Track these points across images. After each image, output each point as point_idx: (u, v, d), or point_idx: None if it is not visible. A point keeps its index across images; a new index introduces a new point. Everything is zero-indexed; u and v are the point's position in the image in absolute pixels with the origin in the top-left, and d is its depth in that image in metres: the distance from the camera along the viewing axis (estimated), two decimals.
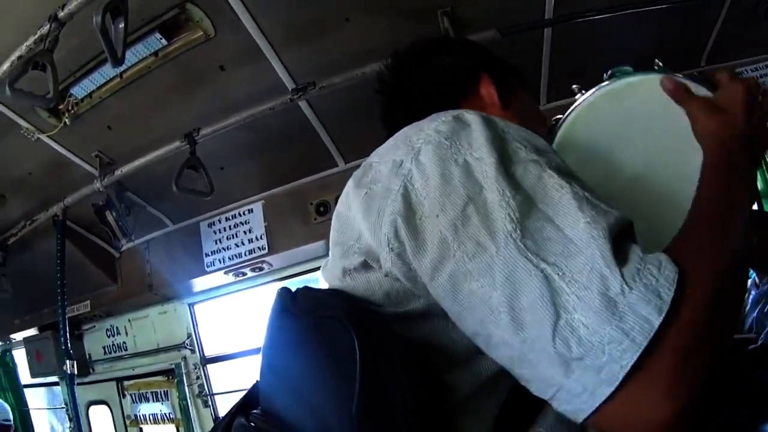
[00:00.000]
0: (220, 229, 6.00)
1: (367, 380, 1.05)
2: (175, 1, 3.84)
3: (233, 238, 5.89)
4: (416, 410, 1.09)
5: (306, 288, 1.30)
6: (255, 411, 1.30)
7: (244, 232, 5.85)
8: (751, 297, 4.97)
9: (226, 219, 5.97)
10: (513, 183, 1.06)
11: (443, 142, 1.15)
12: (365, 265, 1.24)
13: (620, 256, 0.97)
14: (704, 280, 1.01)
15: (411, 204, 1.13)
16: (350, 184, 1.31)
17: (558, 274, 0.97)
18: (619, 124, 1.66)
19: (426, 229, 1.10)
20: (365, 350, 1.07)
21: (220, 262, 5.95)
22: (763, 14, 5.56)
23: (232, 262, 5.87)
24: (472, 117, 1.19)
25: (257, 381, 1.34)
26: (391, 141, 1.30)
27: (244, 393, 1.40)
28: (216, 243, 5.99)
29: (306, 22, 4.01)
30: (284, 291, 1.31)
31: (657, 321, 0.92)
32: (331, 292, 1.32)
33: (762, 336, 4.48)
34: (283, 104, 4.38)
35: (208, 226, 6.06)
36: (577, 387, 0.95)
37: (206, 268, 6.02)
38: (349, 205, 1.29)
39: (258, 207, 5.86)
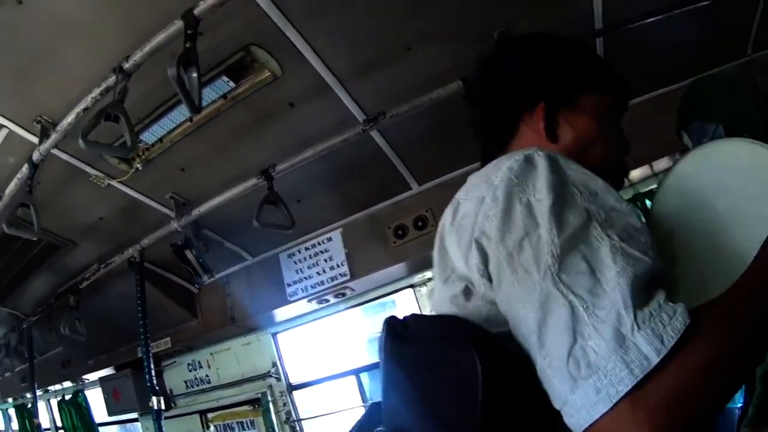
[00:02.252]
0: (300, 259, 6.10)
1: (487, 390, 1.21)
2: (240, 45, 3.94)
3: (315, 266, 5.98)
4: (527, 413, 1.23)
5: (416, 315, 1.46)
6: (379, 429, 1.47)
7: (325, 260, 5.94)
8: None
9: (306, 249, 6.06)
10: (562, 225, 1.21)
11: (513, 179, 1.31)
12: (466, 292, 1.38)
13: (642, 301, 1.12)
14: (716, 338, 1.13)
15: (485, 230, 1.30)
16: (444, 222, 1.47)
17: (583, 306, 1.13)
18: (706, 184, 1.74)
19: (493, 253, 1.29)
20: (485, 366, 1.22)
21: (302, 291, 6.05)
22: None
23: (315, 290, 5.97)
24: (540, 159, 1.32)
25: (373, 402, 1.46)
26: (474, 179, 1.45)
27: (359, 416, 1.58)
28: (297, 273, 6.09)
29: (369, 54, 4.10)
30: (394, 319, 1.46)
31: (654, 360, 1.07)
32: (448, 318, 1.41)
33: None
34: (356, 135, 4.46)
35: (288, 256, 6.17)
36: (579, 402, 1.10)
37: (288, 298, 6.13)
38: (444, 239, 1.46)
39: (337, 235, 5.95)
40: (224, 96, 4.34)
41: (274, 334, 7.15)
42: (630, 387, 1.06)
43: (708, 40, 5.58)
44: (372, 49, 4.09)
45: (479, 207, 1.34)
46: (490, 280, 1.31)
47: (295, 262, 6.13)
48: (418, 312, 1.58)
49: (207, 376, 7.72)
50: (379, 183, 5.46)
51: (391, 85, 4.34)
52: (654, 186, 1.87)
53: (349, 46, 4.08)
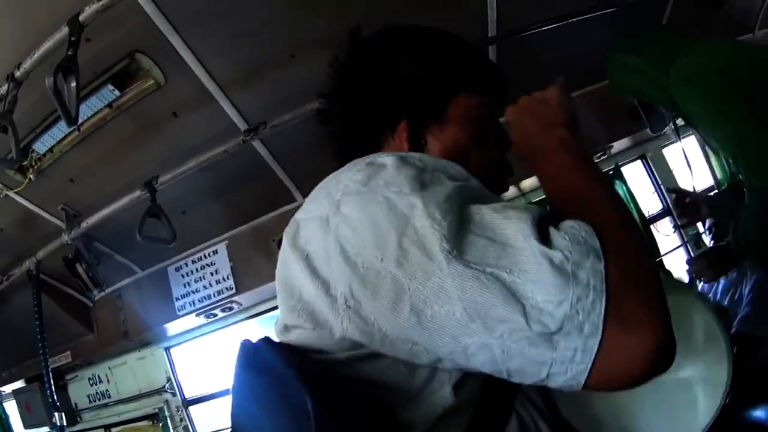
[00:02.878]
0: (187, 273, 6.00)
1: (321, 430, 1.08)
2: (125, 52, 3.88)
3: (201, 280, 5.90)
4: None
5: (265, 341, 1.31)
6: None
7: (211, 274, 5.87)
8: (720, 286, 5.16)
9: (193, 262, 5.97)
10: (439, 208, 1.09)
11: (361, 189, 1.18)
12: (313, 323, 1.23)
13: (547, 232, 1.06)
14: (602, 217, 1.12)
15: (350, 258, 1.14)
16: (285, 243, 1.31)
17: (506, 272, 1.02)
18: None
19: (372, 276, 1.11)
20: (317, 407, 1.09)
21: (190, 305, 5.96)
22: (710, 3, 5.61)
23: (202, 305, 5.89)
24: (386, 158, 1.23)
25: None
26: (313, 194, 1.31)
27: None
28: (185, 286, 6.00)
29: (252, 62, 4.06)
30: (246, 344, 1.33)
31: (601, 264, 1.02)
32: (285, 348, 1.29)
33: (734, 323, 4.64)
34: (236, 145, 4.42)
35: (176, 270, 6.06)
36: (567, 353, 1.00)
37: (177, 312, 6.04)
38: (288, 264, 1.29)
39: (222, 247, 5.88)
40: (109, 105, 4.26)
41: (167, 349, 7.03)
42: (605, 302, 1.00)
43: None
44: (255, 56, 4.06)
45: (326, 229, 1.19)
46: (357, 310, 1.14)
47: (183, 276, 6.03)
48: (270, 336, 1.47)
49: (107, 390, 7.55)
50: (263, 194, 5.39)
51: (273, 94, 4.30)
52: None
53: (232, 53, 4.05)
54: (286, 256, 1.30)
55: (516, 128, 1.53)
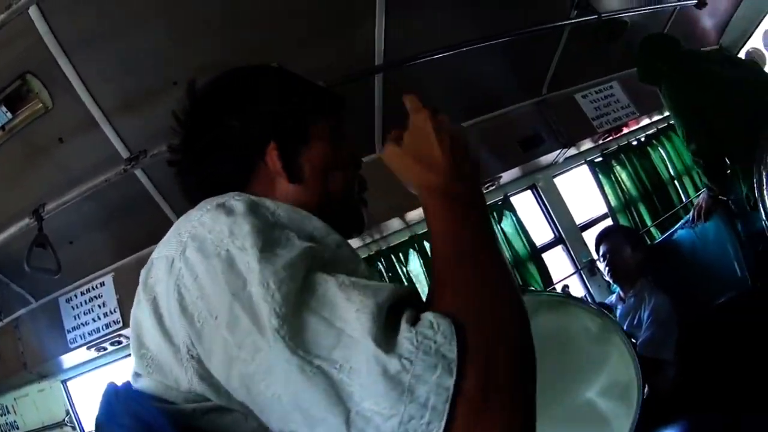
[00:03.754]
0: (77, 305, 5.81)
1: None
2: (18, 73, 3.79)
3: (90, 312, 5.72)
4: None
5: (124, 388, 1.24)
6: None
7: (99, 306, 5.70)
8: (618, 311, 5.29)
9: (81, 293, 5.80)
10: (277, 273, 1.01)
11: (206, 235, 1.10)
12: (159, 372, 1.15)
13: (393, 332, 0.95)
14: (480, 319, 0.99)
15: (187, 307, 1.07)
16: (140, 283, 1.23)
17: (335, 368, 0.93)
18: None
19: (207, 333, 1.05)
20: None
21: (81, 338, 5.76)
22: (606, 37, 5.79)
23: (92, 338, 5.71)
24: (237, 203, 1.15)
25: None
26: (168, 233, 1.21)
27: None
28: (75, 318, 5.80)
29: (136, 88, 4.01)
30: (111, 388, 1.25)
31: (450, 381, 0.90)
32: (133, 398, 1.19)
33: (636, 347, 4.61)
34: (117, 175, 4.30)
35: (66, 301, 5.87)
36: None
37: (69, 345, 5.85)
38: (138, 307, 1.22)
39: (109, 279, 5.73)
40: (2, 128, 4.13)
41: (64, 382, 6.74)
42: (443, 426, 0.88)
43: (505, 75, 5.76)
44: (140, 83, 4.00)
45: (170, 272, 1.11)
46: (200, 361, 1.08)
47: (73, 308, 5.85)
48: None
49: (15, 421, 7.29)
50: (147, 226, 5.21)
51: (156, 122, 4.15)
52: None
53: (117, 79, 3.99)
54: (138, 297, 1.22)
55: (398, 172, 1.38)
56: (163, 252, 1.16)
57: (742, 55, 7.69)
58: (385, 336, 0.93)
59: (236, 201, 1.15)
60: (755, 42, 7.55)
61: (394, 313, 0.99)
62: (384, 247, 6.21)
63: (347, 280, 1.02)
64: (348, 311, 0.96)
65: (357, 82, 4.72)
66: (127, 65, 3.91)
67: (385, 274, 5.99)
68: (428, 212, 1.24)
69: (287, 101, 1.60)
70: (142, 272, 1.22)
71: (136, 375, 1.22)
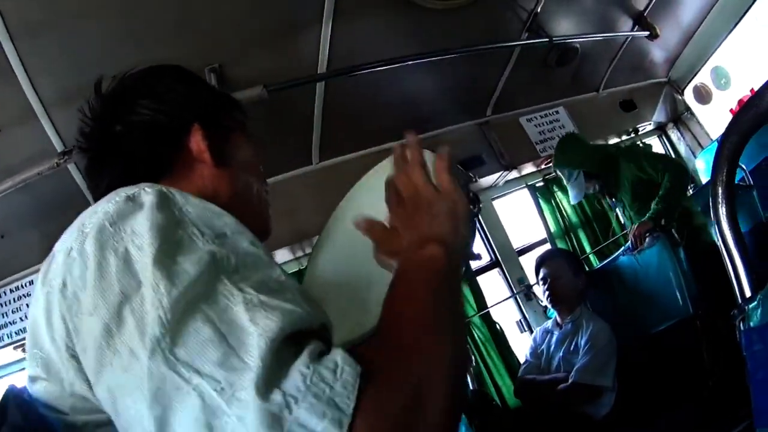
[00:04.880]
0: (5, 302, 5.58)
1: None
2: None
3: (19, 311, 5.51)
4: None
5: (20, 393, 1.12)
6: None
7: (27, 305, 5.40)
8: (555, 337, 5.31)
9: (11, 291, 5.57)
10: (174, 278, 0.92)
11: (107, 227, 1.01)
12: (47, 372, 1.06)
13: (289, 363, 0.85)
14: (402, 380, 0.90)
15: (68, 297, 0.99)
16: (40, 276, 1.12)
17: (216, 390, 0.83)
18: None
19: (84, 330, 0.96)
20: None
21: (8, 336, 5.51)
22: (556, 62, 5.88)
23: (20, 337, 5.46)
24: (147, 196, 1.05)
25: None
26: (74, 223, 1.11)
27: None
28: (3, 317, 5.56)
29: (78, 81, 3.84)
30: (9, 392, 1.13)
31: None
32: (27, 405, 1.08)
33: (572, 373, 4.77)
34: (50, 168, 4.17)
35: None
36: None
37: None
38: (37, 302, 1.11)
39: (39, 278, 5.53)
40: None
41: None
42: None
43: (449, 93, 5.75)
44: (83, 77, 3.85)
45: (66, 262, 1.02)
46: (80, 363, 0.98)
47: (1, 305, 5.60)
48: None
49: None
50: None
51: None
52: None
53: (60, 71, 3.85)
54: (36, 292, 1.12)
55: (393, 235, 1.37)
56: (65, 242, 1.07)
57: (690, 89, 7.91)
58: (279, 365, 0.85)
59: (146, 193, 1.06)
60: (703, 78, 7.72)
61: (300, 338, 0.90)
62: None
63: (256, 299, 0.91)
64: (249, 333, 0.87)
65: (299, 91, 4.71)
66: (71, 59, 3.79)
67: None
68: (405, 274, 1.17)
69: (204, 91, 1.58)
70: (43, 265, 1.13)
71: (30, 379, 1.12)
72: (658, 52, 7.58)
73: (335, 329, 1.12)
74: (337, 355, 0.87)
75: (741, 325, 1.61)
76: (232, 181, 1.46)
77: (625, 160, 5.66)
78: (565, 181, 5.92)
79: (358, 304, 1.55)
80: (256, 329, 0.86)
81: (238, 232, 1.06)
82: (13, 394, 1.10)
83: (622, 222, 6.52)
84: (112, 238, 0.98)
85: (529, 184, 7.22)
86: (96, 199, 1.22)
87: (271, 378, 0.82)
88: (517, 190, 7.28)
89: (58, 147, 4.24)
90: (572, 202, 6.38)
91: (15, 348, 5.59)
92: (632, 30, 6.61)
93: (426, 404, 0.89)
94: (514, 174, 6.93)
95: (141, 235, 0.97)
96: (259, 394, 0.80)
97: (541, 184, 7.22)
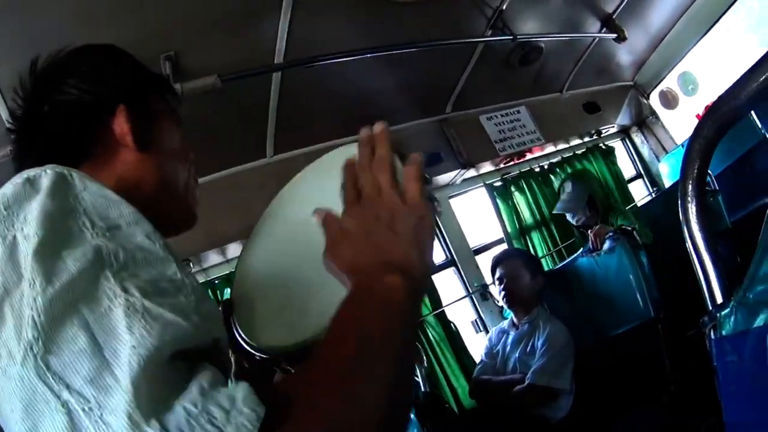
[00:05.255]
0: None
1: None
2: None
3: None
4: None
5: None
6: None
7: None
8: (510, 338, 5.29)
9: None
10: (52, 276, 0.83)
11: (1, 211, 0.93)
12: None
13: (174, 391, 0.77)
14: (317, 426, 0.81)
15: None
16: None
17: (84, 409, 0.75)
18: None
19: None
20: None
21: None
22: (519, 61, 5.88)
23: None
24: (45, 180, 0.97)
25: None
26: None
27: None
28: None
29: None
30: None
31: None
32: None
33: (528, 375, 4.75)
34: (4, 156, 3.98)
35: None
36: None
37: None
38: None
39: None
40: None
41: None
42: None
43: (407, 93, 5.69)
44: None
45: None
46: None
47: None
48: None
49: None
50: None
51: None
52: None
53: (14, 55, 3.70)
54: None
55: (347, 241, 1.21)
56: None
57: (655, 93, 7.99)
58: (158, 391, 0.76)
59: (45, 176, 0.98)
60: (670, 83, 7.78)
61: (189, 360, 0.83)
62: None
63: (138, 303, 0.83)
64: (124, 343, 0.78)
65: (254, 81, 4.63)
66: (25, 42, 3.66)
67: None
68: (357, 306, 1.05)
69: (132, 71, 1.49)
70: None
71: None
72: (624, 56, 7.60)
73: (267, 329, 1.02)
74: (240, 392, 0.78)
75: (711, 333, 1.53)
76: (157, 168, 1.39)
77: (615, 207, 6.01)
78: (563, 195, 6.13)
79: (295, 310, 1.46)
80: (131, 340, 0.78)
81: (133, 223, 0.98)
82: None
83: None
84: (3, 224, 0.91)
85: (486, 183, 7.17)
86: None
87: (146, 406, 0.74)
88: (474, 188, 7.25)
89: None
90: (555, 212, 6.48)
91: None
92: (600, 32, 6.58)
93: None
94: (471, 172, 6.88)
95: (31, 222, 0.89)
96: (128, 425, 0.73)
97: (499, 183, 7.19)
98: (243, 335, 1.52)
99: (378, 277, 1.08)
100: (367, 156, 1.32)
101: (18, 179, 0.97)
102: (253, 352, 1.51)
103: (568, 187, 6.06)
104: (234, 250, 5.72)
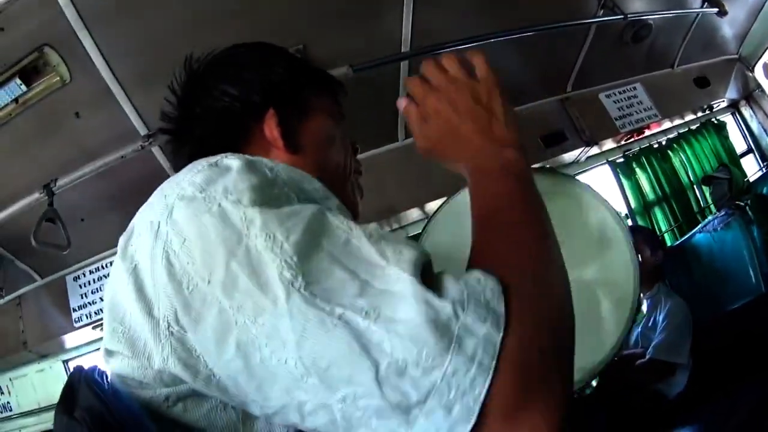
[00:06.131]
0: (85, 283, 5.73)
1: None
2: (35, 45, 3.70)
3: (98, 291, 5.62)
4: None
5: (91, 371, 1.13)
6: None
7: None
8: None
9: (90, 272, 5.72)
10: (285, 223, 0.91)
11: (197, 195, 0.98)
12: (132, 351, 1.02)
13: (437, 281, 0.86)
14: (527, 285, 0.91)
15: (176, 274, 0.94)
16: (118, 252, 1.08)
17: (362, 315, 0.82)
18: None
19: (198, 300, 0.92)
20: None
21: (87, 317, 5.67)
22: (631, 38, 5.85)
23: (99, 317, 5.54)
24: (232, 161, 1.04)
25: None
26: (152, 197, 1.09)
27: None
28: (82, 297, 5.72)
29: (156, 64, 3.88)
30: (76, 371, 1.14)
31: (498, 336, 0.81)
32: (97, 382, 1.09)
33: (649, 350, 4.77)
34: (134, 151, 4.21)
35: (74, 279, 5.79)
36: None
37: (75, 324, 5.74)
38: (115, 277, 1.07)
39: None
40: (15, 100, 4.01)
41: (65, 362, 6.67)
42: (488, 384, 0.78)
43: (530, 70, 5.73)
44: (160, 59, 3.90)
45: (156, 237, 0.98)
46: (181, 339, 0.95)
47: (80, 286, 5.76)
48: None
49: (9, 403, 7.18)
50: None
51: None
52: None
53: (137, 54, 3.91)
54: (115, 267, 1.08)
55: (438, 124, 1.26)
56: (146, 217, 1.04)
57: (759, 66, 7.81)
58: (426, 284, 0.84)
59: (231, 159, 1.05)
60: None
61: (428, 275, 0.89)
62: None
63: (375, 232, 0.93)
64: (378, 261, 0.88)
65: (383, 69, 4.69)
66: (150, 42, 3.84)
67: None
68: (484, 188, 1.14)
69: (286, 72, 1.53)
70: (121, 240, 1.09)
71: (107, 353, 1.10)
72: (727, 29, 7.44)
73: None
74: (475, 272, 0.89)
75: None
76: (313, 166, 1.38)
77: None
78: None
79: None
80: (387, 253, 0.88)
81: (326, 197, 1.08)
82: (82, 375, 1.11)
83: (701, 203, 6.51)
84: (204, 203, 0.96)
85: (609, 160, 7.20)
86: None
87: (428, 290, 0.83)
88: (598, 165, 7.26)
89: (141, 130, 4.29)
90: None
91: (94, 328, 5.71)
92: (702, 6, 6.48)
93: (557, 304, 0.94)
94: (594, 150, 6.88)
95: (236, 192, 0.96)
96: (424, 305, 0.81)
97: (621, 160, 7.19)
98: None
99: (496, 155, 1.16)
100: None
101: (198, 166, 1.04)
102: None
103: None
104: None
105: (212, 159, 1.06)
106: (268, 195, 0.97)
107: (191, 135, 1.48)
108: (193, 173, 1.03)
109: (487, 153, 1.17)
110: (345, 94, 1.66)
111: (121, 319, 1.03)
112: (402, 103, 1.34)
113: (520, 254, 0.97)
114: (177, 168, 1.30)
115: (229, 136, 1.44)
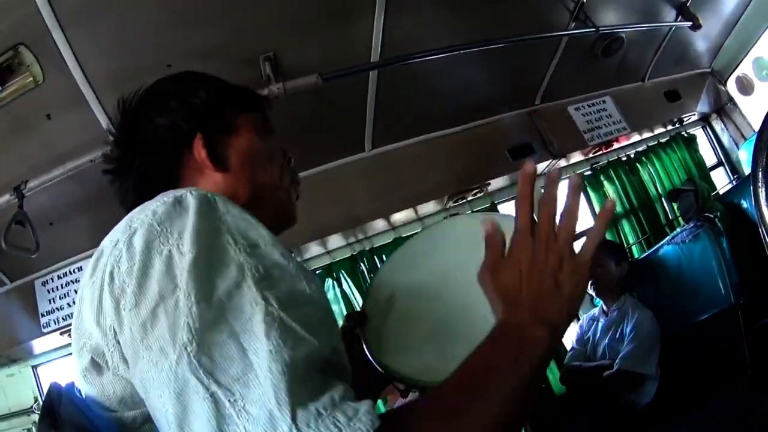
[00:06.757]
0: (53, 288, 5.66)
1: None
2: (10, 44, 3.69)
3: (66, 297, 5.56)
4: None
5: (67, 391, 1.20)
6: None
7: (75, 291, 5.49)
8: (600, 325, 5.40)
9: (59, 277, 5.64)
10: (205, 288, 1.00)
11: (155, 227, 1.09)
12: (95, 365, 1.14)
13: (306, 395, 0.91)
14: None
15: (114, 289, 1.07)
16: (89, 270, 1.19)
17: (230, 401, 0.91)
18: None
19: (126, 322, 1.04)
20: None
21: (55, 322, 5.59)
22: (602, 51, 5.90)
23: (67, 323, 5.51)
24: (192, 201, 1.13)
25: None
26: (122, 221, 1.19)
27: None
28: (50, 302, 5.65)
29: (128, 67, 3.88)
30: (54, 389, 1.23)
31: None
32: (76, 404, 1.17)
33: (617, 361, 4.85)
34: (104, 155, 4.16)
35: (42, 284, 5.72)
36: None
37: (42, 329, 5.66)
38: (84, 294, 1.19)
39: (87, 265, 5.53)
40: None
41: (34, 367, 6.58)
42: None
43: (499, 82, 5.76)
44: (134, 63, 3.90)
45: (113, 254, 1.10)
46: (123, 353, 1.07)
47: (48, 291, 5.68)
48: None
49: None
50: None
51: None
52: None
53: (110, 57, 3.90)
54: (83, 285, 1.21)
55: (510, 263, 1.24)
56: (113, 236, 1.15)
57: (732, 80, 7.87)
58: (288, 395, 0.89)
59: (192, 198, 1.13)
60: (745, 68, 7.65)
61: (324, 373, 0.97)
62: (367, 248, 6.17)
63: (276, 312, 0.98)
64: (263, 347, 0.93)
65: (352, 78, 4.71)
66: (122, 44, 3.84)
67: (366, 275, 5.95)
68: (501, 349, 1.13)
69: (207, 94, 1.61)
70: (92, 260, 1.19)
71: (82, 375, 1.19)
72: (701, 43, 7.52)
73: (401, 357, 1.16)
74: (363, 406, 0.92)
75: None
76: (245, 181, 1.53)
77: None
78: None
79: (436, 351, 1.57)
80: (269, 345, 0.93)
81: (270, 243, 1.12)
82: (62, 391, 1.19)
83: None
84: (158, 239, 1.07)
85: (577, 173, 7.14)
86: (128, 212, 1.24)
87: (284, 400, 0.88)
88: (565, 178, 7.20)
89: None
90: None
91: (61, 334, 5.65)
92: (676, 20, 6.54)
93: None
94: (562, 162, 6.92)
95: (185, 240, 1.05)
96: (269, 417, 0.88)
97: (589, 173, 7.22)
98: (372, 349, 1.70)
99: (530, 330, 1.13)
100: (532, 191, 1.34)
101: (165, 198, 1.14)
102: (375, 365, 1.68)
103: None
104: (334, 241, 5.94)
105: (179, 193, 1.16)
106: (207, 247, 1.05)
107: (131, 168, 1.56)
108: (158, 204, 1.14)
109: (523, 320, 1.16)
110: (270, 109, 1.77)
111: (88, 333, 1.15)
112: (486, 225, 1.31)
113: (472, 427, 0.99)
114: (123, 202, 1.52)
115: (165, 164, 1.53)
